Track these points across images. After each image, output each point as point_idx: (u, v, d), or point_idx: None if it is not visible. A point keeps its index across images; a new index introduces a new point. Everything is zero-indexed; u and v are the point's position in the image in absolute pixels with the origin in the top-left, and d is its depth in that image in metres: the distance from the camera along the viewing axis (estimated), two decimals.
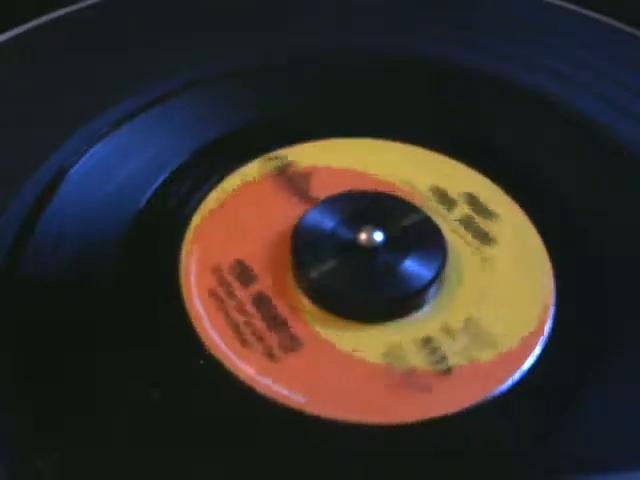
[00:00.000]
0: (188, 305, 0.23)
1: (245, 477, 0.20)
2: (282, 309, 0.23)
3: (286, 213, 0.26)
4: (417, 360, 0.22)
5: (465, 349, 0.22)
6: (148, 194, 0.26)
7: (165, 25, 0.33)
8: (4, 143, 0.27)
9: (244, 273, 0.24)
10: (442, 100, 0.30)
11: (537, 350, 0.23)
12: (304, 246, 0.24)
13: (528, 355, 0.22)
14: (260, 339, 0.22)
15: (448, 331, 0.23)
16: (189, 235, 0.25)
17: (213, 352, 0.22)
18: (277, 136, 0.28)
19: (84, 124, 0.28)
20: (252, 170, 0.27)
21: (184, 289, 0.24)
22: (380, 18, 0.34)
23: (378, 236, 0.24)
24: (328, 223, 0.24)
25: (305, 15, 0.34)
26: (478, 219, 0.26)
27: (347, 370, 0.22)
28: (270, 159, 0.28)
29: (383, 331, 0.23)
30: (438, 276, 0.23)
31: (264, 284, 0.24)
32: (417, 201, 0.26)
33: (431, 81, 0.31)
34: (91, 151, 0.27)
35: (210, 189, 0.27)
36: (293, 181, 0.27)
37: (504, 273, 0.25)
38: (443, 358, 0.22)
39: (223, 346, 0.22)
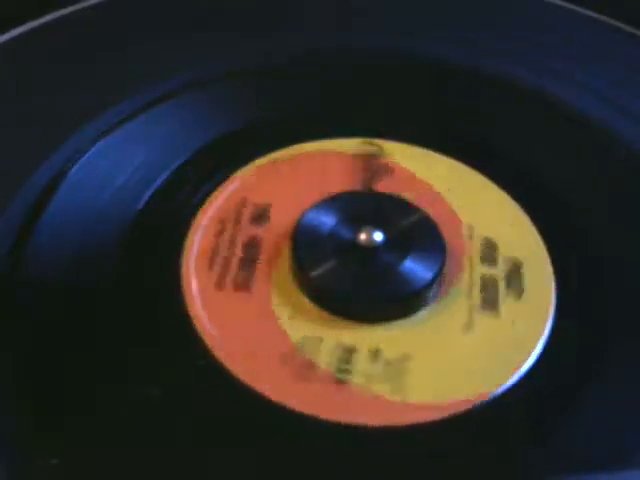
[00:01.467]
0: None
1: (245, 477, 0.20)
2: (263, 260, 0.24)
3: (342, 187, 0.26)
4: (325, 359, 0.22)
5: (371, 375, 0.22)
6: (148, 194, 0.26)
7: (165, 25, 0.33)
8: (4, 143, 0.27)
9: (262, 215, 0.25)
10: (441, 100, 0.30)
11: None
12: (304, 246, 0.24)
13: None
14: (225, 265, 0.24)
15: (375, 353, 0.23)
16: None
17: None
18: (277, 136, 0.28)
19: (84, 124, 0.28)
20: (348, 144, 0.28)
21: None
22: (380, 18, 0.34)
23: (378, 236, 0.24)
24: (328, 223, 0.24)
25: (305, 15, 0.34)
26: (502, 287, 0.24)
27: (264, 332, 0.23)
28: (370, 143, 0.28)
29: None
30: (438, 276, 0.23)
31: (270, 232, 0.25)
32: (462, 241, 0.25)
33: (431, 81, 0.31)
34: (91, 151, 0.27)
35: (210, 189, 0.27)
36: (370, 169, 0.27)
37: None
38: (348, 370, 0.22)
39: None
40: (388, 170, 0.27)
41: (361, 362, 0.22)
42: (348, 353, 0.22)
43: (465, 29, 0.33)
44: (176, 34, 0.32)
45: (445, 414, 0.21)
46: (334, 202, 0.25)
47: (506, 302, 0.24)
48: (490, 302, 0.24)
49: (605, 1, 0.35)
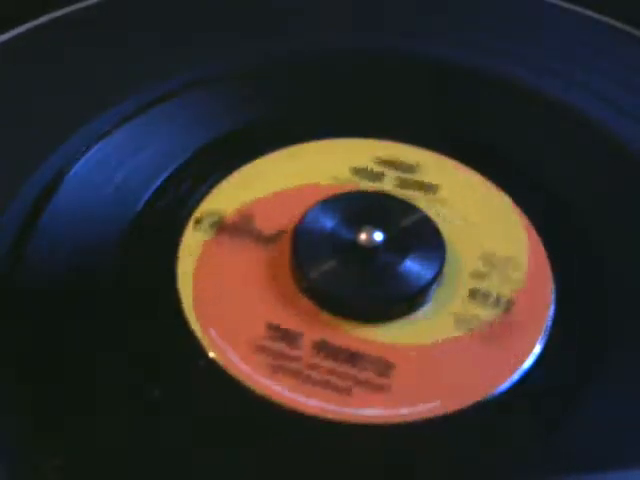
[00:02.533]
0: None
1: (245, 477, 0.20)
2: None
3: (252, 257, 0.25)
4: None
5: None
6: (148, 194, 0.26)
7: (165, 25, 0.33)
8: (4, 143, 0.27)
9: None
10: (441, 100, 0.30)
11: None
12: (304, 246, 0.24)
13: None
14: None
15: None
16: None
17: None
18: (277, 136, 0.28)
19: (84, 124, 0.28)
20: (196, 236, 0.25)
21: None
22: (380, 18, 0.34)
23: (378, 236, 0.24)
24: (328, 223, 0.24)
25: (305, 15, 0.34)
26: (410, 176, 0.26)
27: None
28: (198, 222, 0.26)
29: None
30: (438, 276, 0.23)
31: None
32: (345, 187, 0.26)
33: (431, 81, 0.31)
34: (91, 151, 0.27)
35: (210, 189, 0.27)
36: (238, 229, 0.25)
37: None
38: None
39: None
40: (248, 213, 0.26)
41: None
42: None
43: (465, 29, 0.33)
44: (176, 34, 0.32)
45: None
46: (334, 202, 0.25)
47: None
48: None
49: (605, 1, 0.35)
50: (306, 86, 0.30)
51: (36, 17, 0.32)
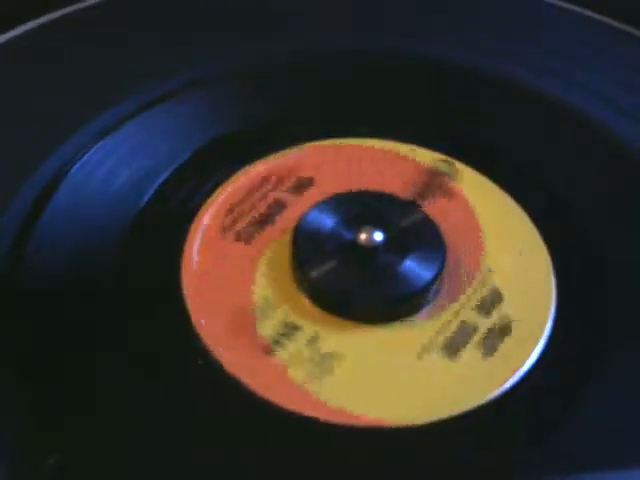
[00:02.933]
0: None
1: (245, 477, 0.20)
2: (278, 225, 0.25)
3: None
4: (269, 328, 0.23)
5: (295, 357, 0.22)
6: (148, 194, 0.26)
7: (165, 25, 0.33)
8: (4, 143, 0.27)
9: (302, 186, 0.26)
10: (441, 100, 0.30)
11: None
12: (304, 246, 0.24)
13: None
14: (237, 219, 0.25)
15: (314, 340, 0.23)
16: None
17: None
18: (277, 136, 0.28)
19: (84, 124, 0.28)
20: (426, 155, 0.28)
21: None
22: (380, 18, 0.34)
23: (378, 236, 0.24)
24: (328, 223, 0.24)
25: (305, 15, 0.34)
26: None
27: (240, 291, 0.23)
28: (446, 161, 0.28)
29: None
30: (438, 276, 0.23)
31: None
32: (472, 284, 0.25)
33: (431, 81, 0.31)
34: (91, 151, 0.27)
35: (210, 189, 0.27)
36: (432, 185, 0.27)
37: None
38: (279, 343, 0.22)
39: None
40: (449, 193, 0.27)
41: (297, 343, 0.22)
42: (291, 330, 0.23)
43: (465, 29, 0.33)
44: (176, 34, 0.32)
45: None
46: (334, 202, 0.25)
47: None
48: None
49: (605, 1, 0.35)
50: (306, 86, 0.30)
51: (36, 17, 0.32)
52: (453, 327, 0.23)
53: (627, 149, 0.28)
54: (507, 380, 0.22)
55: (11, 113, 0.28)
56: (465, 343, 0.23)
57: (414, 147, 0.28)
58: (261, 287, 0.24)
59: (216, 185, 0.27)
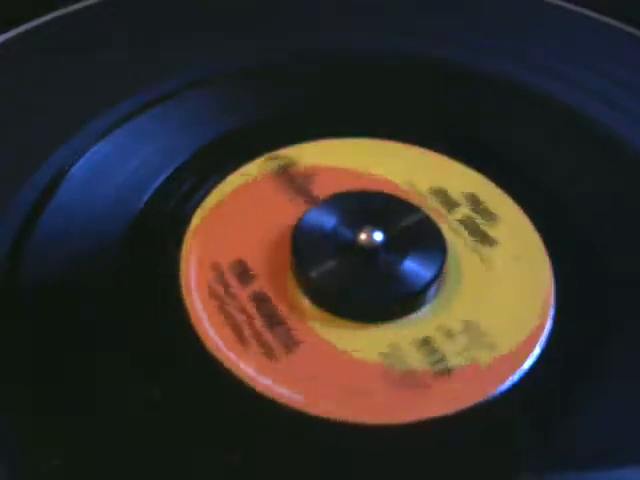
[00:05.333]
0: (188, 305, 0.23)
1: (245, 477, 0.20)
2: (282, 308, 0.23)
3: (287, 213, 0.26)
4: (416, 361, 0.22)
5: (465, 350, 0.22)
6: (148, 194, 0.26)
7: (165, 25, 0.33)
8: (4, 143, 0.27)
9: (244, 272, 0.24)
10: (441, 100, 0.30)
11: (537, 350, 0.23)
12: (304, 246, 0.24)
13: (527, 356, 0.22)
14: (259, 338, 0.22)
15: (447, 332, 0.23)
16: (189, 234, 0.25)
17: (213, 352, 0.22)
18: (277, 136, 0.28)
19: (84, 124, 0.28)
20: (252, 169, 0.27)
21: (184, 289, 0.24)
22: (380, 18, 0.34)
23: (378, 236, 0.24)
24: (328, 223, 0.24)
25: (305, 15, 0.34)
26: (478, 220, 0.26)
27: (346, 370, 0.22)
28: (271, 159, 0.28)
29: (383, 331, 0.23)
30: (438, 276, 0.23)
31: (264, 283, 0.24)
32: (418, 201, 0.26)
33: (431, 81, 0.31)
34: (91, 151, 0.27)
35: (210, 189, 0.27)
36: (295, 181, 0.27)
37: (503, 274, 0.24)
38: (442, 359, 0.22)
39: (222, 345, 0.22)
40: (308, 174, 0.27)
41: (445, 345, 0.23)
42: (427, 345, 0.22)
43: (465, 29, 0.33)
44: (176, 34, 0.32)
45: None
46: (334, 202, 0.25)
47: (492, 230, 0.25)
48: (482, 236, 0.25)
49: (605, 1, 0.35)
50: (306, 86, 0.30)
51: (36, 17, 0.32)
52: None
53: (627, 149, 0.28)
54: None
55: (11, 113, 0.28)
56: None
57: (241, 170, 0.27)
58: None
59: (216, 185, 0.27)
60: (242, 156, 0.28)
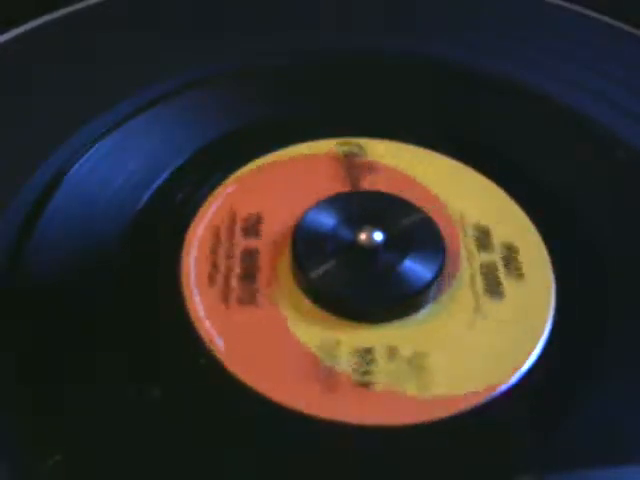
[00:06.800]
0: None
1: (245, 477, 0.20)
2: (265, 272, 0.24)
3: (329, 192, 0.26)
4: (345, 363, 0.22)
5: (396, 373, 0.22)
6: (148, 194, 0.26)
7: (165, 25, 0.33)
8: (4, 143, 0.27)
9: (253, 226, 0.25)
10: (441, 100, 0.30)
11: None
12: (304, 246, 0.24)
13: (447, 411, 0.21)
14: (226, 282, 0.23)
15: (392, 351, 0.22)
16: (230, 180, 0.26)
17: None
18: (277, 136, 0.28)
19: (84, 124, 0.28)
20: (322, 146, 0.28)
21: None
22: (380, 18, 0.34)
23: (378, 236, 0.24)
24: (328, 223, 0.24)
25: (305, 15, 0.34)
26: (501, 271, 0.25)
27: (280, 345, 0.22)
28: (344, 143, 0.28)
29: (345, 328, 0.23)
30: (437, 277, 0.23)
31: (264, 245, 0.25)
32: (456, 231, 0.26)
33: (431, 81, 0.31)
34: (91, 151, 0.27)
35: (210, 189, 0.27)
36: (354, 168, 0.27)
37: (487, 330, 0.23)
38: (368, 372, 0.22)
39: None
40: (372, 168, 0.27)
41: (381, 363, 0.22)
42: (366, 355, 0.22)
43: (465, 29, 0.33)
44: (176, 34, 0.32)
45: (461, 407, 0.21)
46: (334, 202, 0.25)
47: (508, 285, 0.24)
48: (493, 287, 0.24)
49: (605, 1, 0.35)
50: (306, 86, 0.30)
51: (36, 17, 0.32)
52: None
53: (627, 149, 0.28)
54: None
55: (11, 113, 0.28)
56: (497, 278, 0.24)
57: (310, 143, 0.28)
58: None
59: (215, 185, 0.27)
60: (242, 156, 0.28)
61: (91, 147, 0.27)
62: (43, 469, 0.19)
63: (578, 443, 0.21)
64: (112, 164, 0.27)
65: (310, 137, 0.28)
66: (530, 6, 0.35)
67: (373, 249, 0.24)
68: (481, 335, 0.23)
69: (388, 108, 0.30)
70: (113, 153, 0.27)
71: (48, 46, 0.31)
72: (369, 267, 0.24)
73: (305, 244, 0.24)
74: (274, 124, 0.29)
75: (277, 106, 0.30)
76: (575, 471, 0.20)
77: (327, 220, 0.25)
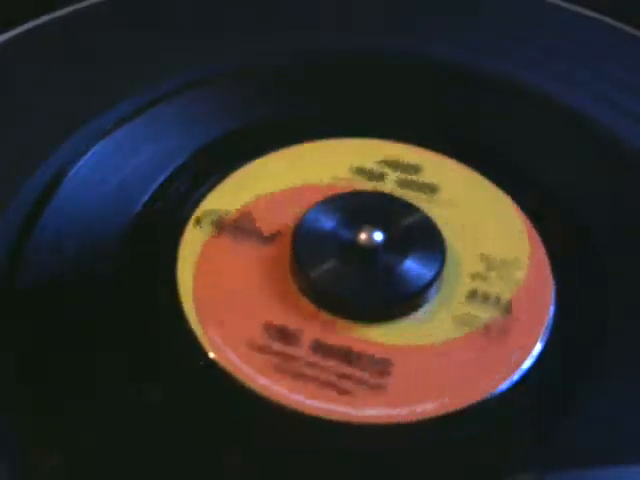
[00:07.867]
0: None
1: (245, 477, 0.20)
2: None
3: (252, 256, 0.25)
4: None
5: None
6: (148, 194, 0.26)
7: (165, 25, 0.33)
8: (4, 143, 0.27)
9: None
10: (441, 100, 0.30)
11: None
12: (304, 246, 0.24)
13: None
14: None
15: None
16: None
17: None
18: (277, 136, 0.28)
19: (84, 124, 0.28)
20: (196, 235, 0.25)
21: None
22: (380, 18, 0.34)
23: (378, 236, 0.24)
24: (328, 223, 0.24)
25: (305, 15, 0.34)
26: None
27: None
28: (200, 218, 0.26)
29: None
30: (438, 276, 0.23)
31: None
32: (346, 187, 0.26)
33: (431, 81, 0.31)
34: (91, 151, 0.27)
35: (210, 189, 0.27)
36: (238, 228, 0.25)
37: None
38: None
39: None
40: (246, 211, 0.26)
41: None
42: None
43: (465, 29, 0.33)
44: (176, 34, 0.32)
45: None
46: (334, 202, 0.25)
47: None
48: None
49: (605, 1, 0.35)
50: (306, 86, 0.30)
51: (36, 17, 0.32)
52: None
53: (627, 149, 0.28)
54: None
55: (11, 113, 0.28)
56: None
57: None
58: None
59: (215, 185, 0.27)
60: (242, 156, 0.28)
61: (91, 147, 0.27)
62: (43, 469, 0.19)
63: (578, 443, 0.21)
64: (112, 164, 0.27)
65: (310, 137, 0.28)
66: (530, 6, 0.35)
67: (373, 249, 0.24)
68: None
69: (388, 108, 0.30)
70: (113, 153, 0.27)
71: (48, 46, 0.31)
72: (369, 267, 0.24)
73: (305, 244, 0.24)
74: (274, 124, 0.29)
75: (277, 106, 0.30)
76: (575, 471, 0.20)
77: (327, 220, 0.25)
